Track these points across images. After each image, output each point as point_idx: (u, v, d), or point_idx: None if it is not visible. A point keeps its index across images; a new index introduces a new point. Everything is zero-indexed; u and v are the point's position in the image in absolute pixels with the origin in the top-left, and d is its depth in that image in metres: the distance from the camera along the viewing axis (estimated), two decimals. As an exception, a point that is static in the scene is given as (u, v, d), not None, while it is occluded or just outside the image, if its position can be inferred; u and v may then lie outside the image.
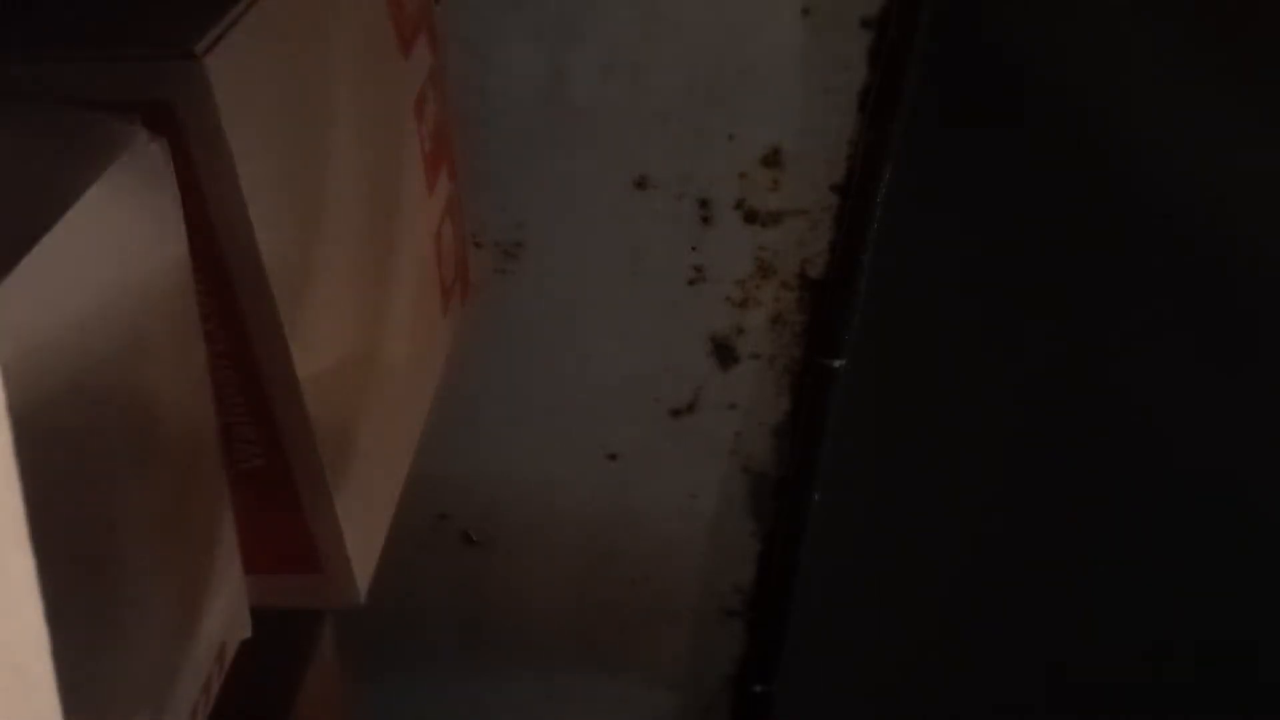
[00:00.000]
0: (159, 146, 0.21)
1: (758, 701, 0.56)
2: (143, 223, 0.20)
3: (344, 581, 0.29)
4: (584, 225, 0.43)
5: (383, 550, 0.31)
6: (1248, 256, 0.44)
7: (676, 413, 0.48)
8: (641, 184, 0.42)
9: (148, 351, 0.21)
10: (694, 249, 0.43)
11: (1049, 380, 0.47)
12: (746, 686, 0.56)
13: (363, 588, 0.29)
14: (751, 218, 0.42)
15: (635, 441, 0.48)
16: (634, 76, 0.39)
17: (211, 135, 0.21)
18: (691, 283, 0.44)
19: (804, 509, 0.49)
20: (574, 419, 0.48)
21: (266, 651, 0.26)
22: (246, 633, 0.26)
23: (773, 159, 0.41)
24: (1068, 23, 0.39)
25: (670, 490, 0.50)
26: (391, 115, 0.32)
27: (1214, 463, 0.49)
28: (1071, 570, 0.53)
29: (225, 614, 0.24)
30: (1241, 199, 0.43)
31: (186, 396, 0.23)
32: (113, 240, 0.19)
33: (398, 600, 0.54)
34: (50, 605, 0.17)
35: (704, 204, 0.42)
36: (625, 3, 0.38)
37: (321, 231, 0.27)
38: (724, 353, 0.46)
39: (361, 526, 0.29)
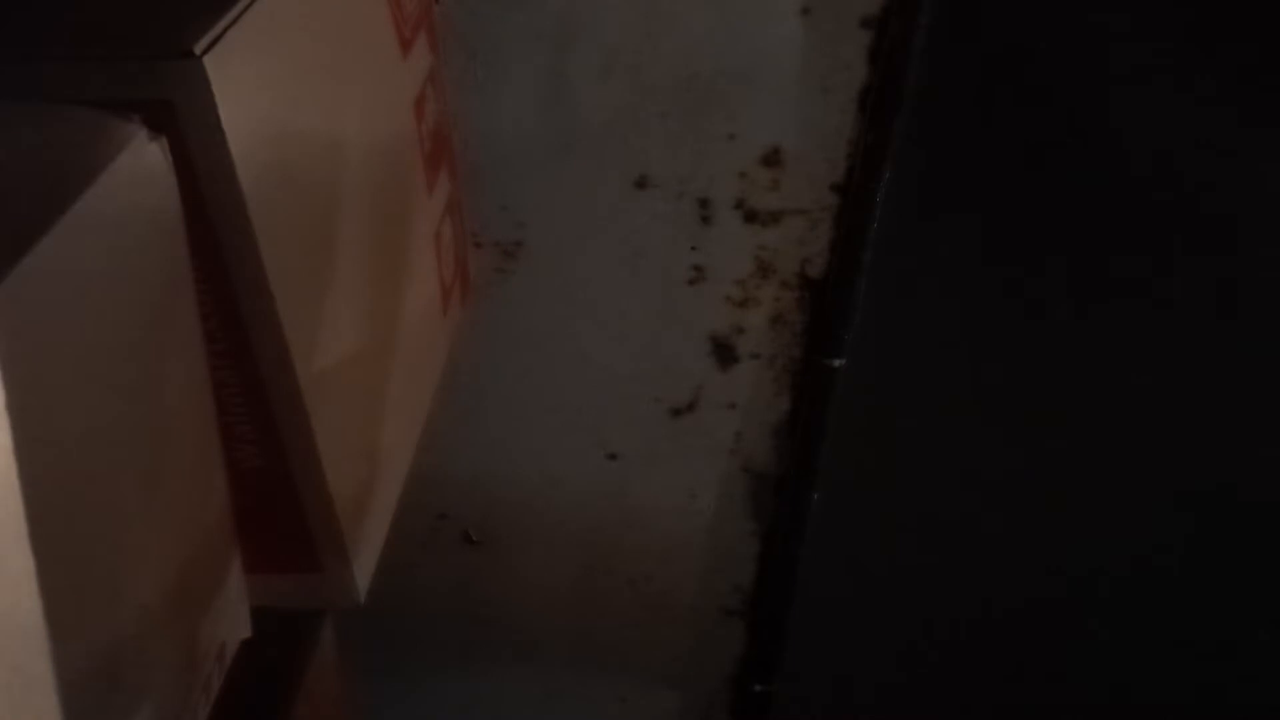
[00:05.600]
0: (159, 146, 0.21)
1: (758, 701, 0.56)
2: (143, 222, 0.20)
3: (344, 581, 0.29)
4: (584, 225, 0.43)
5: (383, 550, 0.31)
6: (1250, 255, 0.44)
7: (676, 413, 0.48)
8: (641, 184, 0.42)
9: (147, 351, 0.21)
10: (694, 249, 0.43)
11: (1049, 379, 0.47)
12: (746, 686, 0.56)
13: (363, 588, 0.29)
14: (751, 217, 0.42)
15: (635, 441, 0.48)
16: (634, 76, 0.39)
17: (211, 135, 0.21)
18: (691, 283, 0.44)
19: (804, 509, 0.49)
20: (574, 419, 0.48)
21: (266, 651, 0.26)
22: (246, 633, 0.26)
23: (773, 159, 0.41)
24: (1067, 23, 0.39)
25: (670, 490, 0.50)
26: (391, 115, 0.32)
27: (1217, 461, 0.49)
28: (1071, 569, 0.53)
29: (225, 614, 0.24)
30: (1243, 197, 0.43)
31: (186, 396, 0.23)
32: (113, 239, 0.19)
33: (398, 600, 0.54)
34: (50, 605, 0.17)
35: (704, 204, 0.42)
36: (625, 3, 0.38)
37: (321, 231, 0.27)
38: (724, 353, 0.46)
39: (361, 526, 0.29)
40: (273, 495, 0.27)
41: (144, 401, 0.21)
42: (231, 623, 0.25)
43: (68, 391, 0.18)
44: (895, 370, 0.47)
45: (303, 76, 0.26)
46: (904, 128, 0.39)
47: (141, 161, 0.20)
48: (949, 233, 0.44)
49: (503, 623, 0.55)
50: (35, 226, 0.17)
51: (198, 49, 0.21)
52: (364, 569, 0.29)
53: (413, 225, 0.34)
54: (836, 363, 0.45)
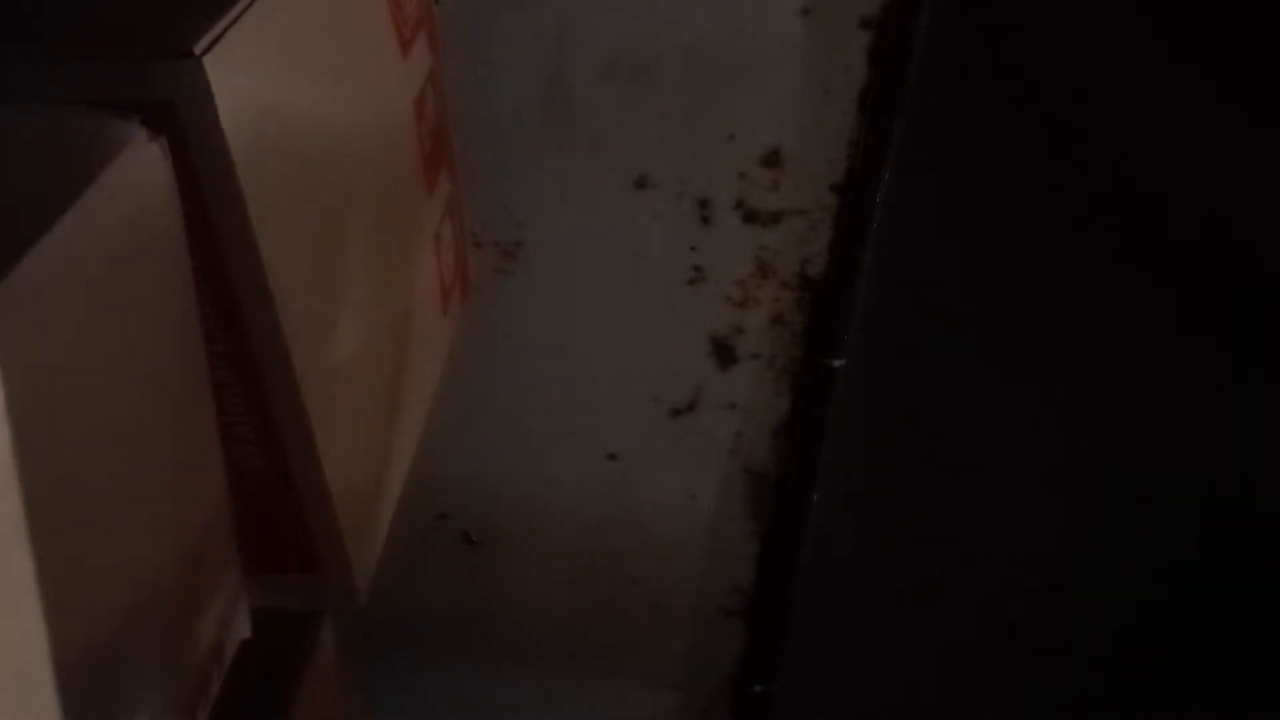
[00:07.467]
0: (159, 146, 0.21)
1: (757, 701, 0.56)
2: (142, 222, 0.20)
3: (344, 581, 0.29)
4: (584, 225, 0.43)
5: (383, 550, 0.31)
6: (1249, 256, 0.44)
7: (676, 413, 0.47)
8: (641, 184, 0.42)
9: (147, 351, 0.21)
10: (694, 249, 0.43)
11: (1048, 379, 0.47)
12: (746, 686, 0.56)
13: (363, 588, 0.29)
14: (751, 218, 0.42)
15: (635, 441, 0.48)
16: (634, 76, 0.39)
17: (211, 135, 0.21)
18: (691, 283, 0.44)
19: (804, 509, 0.49)
20: (574, 419, 0.48)
21: (266, 651, 0.26)
22: (246, 633, 0.26)
23: (773, 159, 0.41)
24: (1067, 23, 0.39)
25: (670, 490, 0.50)
26: (391, 115, 0.32)
27: (1214, 462, 0.49)
28: (1072, 569, 0.53)
29: (225, 614, 0.24)
30: (1242, 198, 0.43)
31: (186, 396, 0.23)
32: (113, 239, 0.19)
33: (398, 600, 0.54)
34: (50, 607, 0.17)
35: (704, 204, 0.42)
36: (625, 3, 0.38)
37: (321, 231, 0.27)
38: (724, 353, 0.46)
39: (361, 527, 0.29)
40: (273, 495, 0.27)
41: (143, 402, 0.21)
42: (231, 623, 0.25)
43: (68, 391, 0.18)
44: (895, 370, 0.47)
45: (303, 77, 0.26)
46: (904, 128, 0.39)
47: (141, 161, 0.20)
48: (948, 233, 0.44)
49: (503, 623, 0.55)
50: (35, 227, 0.17)
51: (198, 49, 0.21)
52: (364, 569, 0.29)
53: (413, 225, 0.34)
54: (836, 363, 0.45)
